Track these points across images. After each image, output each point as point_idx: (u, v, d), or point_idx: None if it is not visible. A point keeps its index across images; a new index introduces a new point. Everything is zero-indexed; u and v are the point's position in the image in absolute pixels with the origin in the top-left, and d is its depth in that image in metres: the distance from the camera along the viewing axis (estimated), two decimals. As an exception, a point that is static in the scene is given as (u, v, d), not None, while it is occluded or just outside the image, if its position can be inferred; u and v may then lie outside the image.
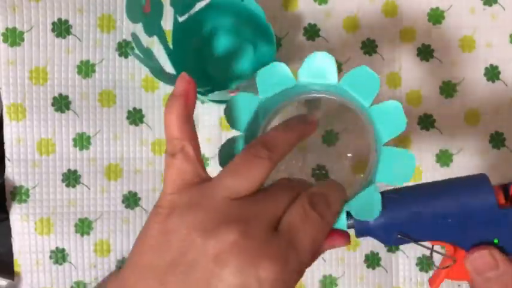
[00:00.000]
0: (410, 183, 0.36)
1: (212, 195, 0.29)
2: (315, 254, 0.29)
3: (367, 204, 0.33)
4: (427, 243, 0.36)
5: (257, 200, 0.29)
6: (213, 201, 0.28)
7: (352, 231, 0.35)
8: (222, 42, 0.52)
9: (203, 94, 0.45)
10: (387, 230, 0.34)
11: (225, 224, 0.26)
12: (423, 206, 0.34)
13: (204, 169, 0.32)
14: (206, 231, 0.26)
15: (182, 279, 0.26)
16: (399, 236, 0.34)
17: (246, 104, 0.37)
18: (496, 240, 0.34)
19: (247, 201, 0.29)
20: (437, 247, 0.36)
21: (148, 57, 0.47)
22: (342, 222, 0.34)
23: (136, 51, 0.46)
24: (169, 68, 0.49)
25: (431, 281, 0.38)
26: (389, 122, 0.33)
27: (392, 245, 0.35)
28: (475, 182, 0.35)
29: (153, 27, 0.48)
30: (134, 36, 0.46)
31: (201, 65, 0.52)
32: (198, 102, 0.53)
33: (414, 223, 0.34)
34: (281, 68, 0.36)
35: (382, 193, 0.35)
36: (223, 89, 0.44)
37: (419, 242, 0.35)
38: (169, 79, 0.47)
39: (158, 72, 0.46)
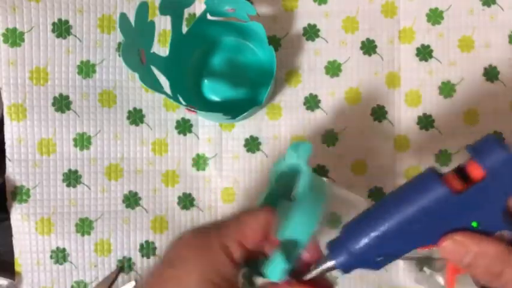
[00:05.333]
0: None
1: None
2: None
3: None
4: (413, 254, 0.36)
5: None
6: None
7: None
8: (219, 62, 0.53)
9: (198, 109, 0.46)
10: (366, 258, 0.34)
11: None
12: (385, 224, 0.33)
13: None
14: None
15: None
16: (380, 259, 0.34)
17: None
18: (474, 224, 0.33)
19: None
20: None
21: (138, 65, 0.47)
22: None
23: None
24: (163, 79, 0.50)
25: (447, 283, 0.37)
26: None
27: (379, 269, 0.35)
28: (423, 180, 0.34)
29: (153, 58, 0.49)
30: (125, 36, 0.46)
31: (197, 82, 0.53)
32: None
33: (387, 242, 0.34)
34: None
35: (345, 224, 0.36)
36: (216, 111, 0.46)
37: (404, 256, 0.34)
38: (157, 86, 0.47)
39: (146, 79, 0.46)
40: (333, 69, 0.53)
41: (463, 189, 0.32)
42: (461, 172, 0.33)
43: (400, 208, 0.33)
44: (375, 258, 0.34)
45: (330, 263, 0.35)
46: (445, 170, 0.50)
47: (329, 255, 0.36)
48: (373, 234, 0.34)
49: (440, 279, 0.49)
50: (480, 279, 0.33)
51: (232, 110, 0.49)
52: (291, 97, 0.53)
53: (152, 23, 0.48)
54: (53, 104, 0.51)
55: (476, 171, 0.32)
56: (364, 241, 0.34)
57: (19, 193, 0.51)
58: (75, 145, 0.51)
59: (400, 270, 0.52)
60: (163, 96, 0.48)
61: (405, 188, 0.34)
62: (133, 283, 0.51)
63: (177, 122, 0.53)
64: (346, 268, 0.35)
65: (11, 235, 0.51)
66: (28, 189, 0.51)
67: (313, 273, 0.36)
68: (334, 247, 0.36)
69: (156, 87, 0.47)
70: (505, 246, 0.32)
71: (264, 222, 0.35)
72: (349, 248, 0.34)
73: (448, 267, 0.36)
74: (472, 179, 0.32)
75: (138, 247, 0.52)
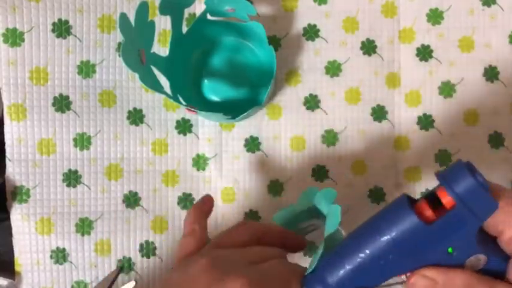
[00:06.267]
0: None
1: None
2: None
3: None
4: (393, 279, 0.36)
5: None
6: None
7: None
8: (219, 62, 0.53)
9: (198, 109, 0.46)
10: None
11: None
12: (360, 256, 0.34)
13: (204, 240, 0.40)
14: None
15: None
16: None
17: None
18: (450, 250, 0.33)
19: None
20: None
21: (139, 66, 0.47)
22: None
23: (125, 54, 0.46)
24: (163, 79, 0.50)
25: None
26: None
27: None
28: (395, 210, 0.33)
29: (153, 58, 0.49)
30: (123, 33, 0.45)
31: (197, 82, 0.53)
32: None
33: (363, 273, 0.34)
34: None
35: (321, 257, 0.36)
36: (216, 111, 0.46)
37: (382, 285, 0.35)
38: (157, 86, 0.47)
39: (146, 79, 0.46)
40: (333, 69, 0.53)
41: (435, 219, 0.32)
42: (433, 197, 0.33)
43: (373, 240, 0.33)
44: None
45: None
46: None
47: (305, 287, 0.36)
48: (348, 267, 0.34)
49: None
50: None
51: (232, 110, 0.49)
52: (291, 97, 0.53)
53: (152, 23, 0.48)
54: (53, 104, 0.51)
55: (446, 199, 0.32)
56: (340, 274, 0.34)
57: (19, 193, 0.51)
58: (75, 145, 0.51)
59: None
60: (163, 96, 0.48)
61: (378, 218, 0.34)
62: (133, 283, 0.51)
63: (177, 122, 0.53)
64: None
65: (11, 235, 0.51)
66: (28, 189, 0.51)
67: None
68: (310, 280, 0.36)
69: (156, 87, 0.47)
70: (471, 274, 0.33)
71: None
72: (326, 281, 0.34)
73: None
74: (444, 205, 0.32)
75: (138, 247, 0.52)
